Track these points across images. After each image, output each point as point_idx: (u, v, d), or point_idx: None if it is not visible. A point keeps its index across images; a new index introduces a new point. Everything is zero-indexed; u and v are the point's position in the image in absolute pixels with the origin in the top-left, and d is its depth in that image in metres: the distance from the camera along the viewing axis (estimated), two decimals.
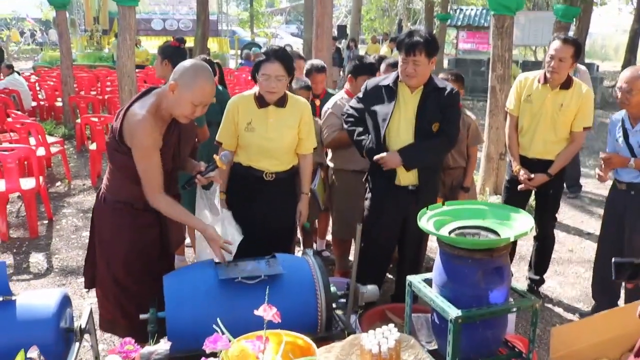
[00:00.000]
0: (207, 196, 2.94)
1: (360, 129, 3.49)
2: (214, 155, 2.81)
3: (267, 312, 1.52)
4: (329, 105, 4.13)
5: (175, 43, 4.17)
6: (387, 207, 3.46)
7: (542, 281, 4.36)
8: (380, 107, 3.39)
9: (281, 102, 3.25)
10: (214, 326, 1.59)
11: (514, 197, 3.97)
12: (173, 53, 4.05)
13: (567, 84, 3.84)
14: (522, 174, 3.93)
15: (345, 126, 3.61)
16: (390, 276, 4.32)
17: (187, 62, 2.65)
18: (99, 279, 2.90)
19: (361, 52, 17.46)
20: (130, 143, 2.57)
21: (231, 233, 2.94)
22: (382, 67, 4.26)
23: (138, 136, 2.53)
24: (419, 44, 3.19)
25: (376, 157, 3.34)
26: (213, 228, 2.67)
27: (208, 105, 2.66)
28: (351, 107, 3.58)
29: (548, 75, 3.84)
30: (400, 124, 3.34)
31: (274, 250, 2.74)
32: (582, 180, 7.25)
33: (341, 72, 15.70)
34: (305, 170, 3.43)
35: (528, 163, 3.98)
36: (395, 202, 3.43)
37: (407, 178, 3.41)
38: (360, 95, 3.53)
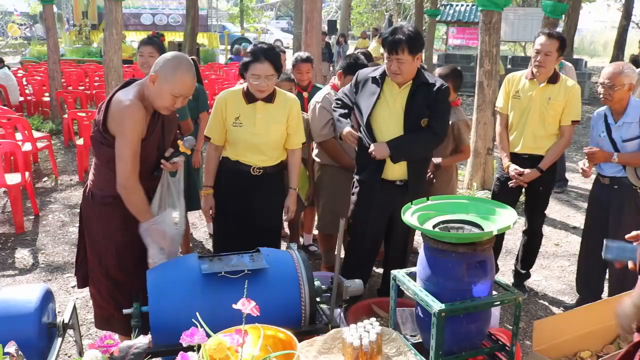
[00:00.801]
0: (172, 184, 2.90)
1: (343, 111, 3.53)
2: (177, 141, 2.80)
3: (245, 305, 1.52)
4: (317, 99, 4.13)
5: (155, 32, 4.22)
6: (375, 202, 3.46)
7: (527, 275, 4.39)
8: (365, 97, 3.40)
9: (269, 98, 3.24)
10: (193, 320, 1.59)
11: (505, 194, 3.98)
12: (157, 42, 4.09)
13: (554, 79, 3.87)
14: (513, 170, 3.95)
15: (332, 111, 3.66)
16: (377, 270, 4.33)
17: (169, 54, 2.66)
18: (91, 276, 2.89)
19: (351, 48, 17.42)
20: (115, 129, 2.56)
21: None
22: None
23: (126, 121, 2.54)
24: (401, 42, 3.15)
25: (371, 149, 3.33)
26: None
27: (189, 98, 2.67)
28: (343, 92, 3.61)
29: (535, 70, 3.86)
30: (390, 118, 3.33)
31: (261, 245, 2.74)
32: (569, 175, 7.31)
33: (331, 67, 15.70)
34: (294, 166, 3.43)
35: (518, 159, 4.00)
36: (384, 196, 3.43)
37: (395, 172, 3.40)
38: (352, 83, 3.54)
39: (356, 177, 3.56)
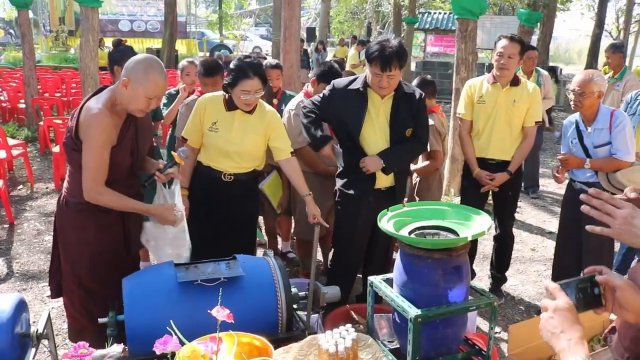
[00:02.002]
0: (168, 195, 2.92)
1: (313, 119, 3.47)
2: (172, 152, 2.82)
3: (219, 313, 1.52)
4: (291, 106, 4.13)
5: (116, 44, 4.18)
6: (363, 212, 3.46)
7: (504, 279, 4.44)
8: (350, 111, 3.36)
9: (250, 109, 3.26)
10: (169, 328, 1.59)
11: (472, 199, 4.03)
12: (120, 57, 4.02)
13: (515, 81, 3.96)
14: (485, 176, 4.00)
15: (302, 119, 3.56)
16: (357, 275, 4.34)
17: (138, 57, 2.66)
18: (64, 286, 2.87)
19: (329, 55, 17.48)
20: (82, 136, 2.55)
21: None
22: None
23: (92, 130, 2.54)
24: (393, 59, 3.15)
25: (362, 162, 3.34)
26: (157, 205, 2.71)
27: (162, 97, 2.68)
28: (313, 102, 3.52)
29: (498, 73, 3.94)
30: (375, 130, 3.34)
31: (236, 251, 2.73)
32: (544, 181, 7.41)
33: (309, 74, 15.71)
34: (295, 175, 3.36)
35: (485, 165, 4.05)
36: (371, 205, 3.42)
37: (383, 181, 3.43)
38: (327, 93, 3.46)
39: (343, 189, 3.53)
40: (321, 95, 3.52)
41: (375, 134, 3.35)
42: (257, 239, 4.07)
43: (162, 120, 4.74)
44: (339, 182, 3.53)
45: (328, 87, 3.49)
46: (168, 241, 2.90)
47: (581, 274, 3.60)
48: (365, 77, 3.37)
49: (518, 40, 3.90)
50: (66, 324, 3.71)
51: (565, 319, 1.34)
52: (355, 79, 3.44)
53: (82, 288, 2.77)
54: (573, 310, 1.36)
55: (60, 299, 3.92)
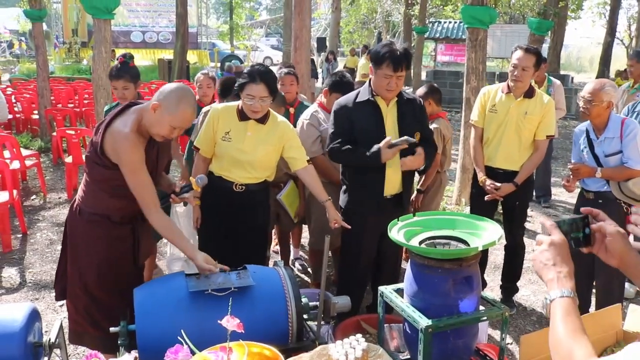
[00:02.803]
0: (185, 216, 2.96)
1: (355, 149, 3.36)
2: (190, 177, 2.85)
3: (230, 322, 1.53)
4: (305, 116, 4.14)
5: (122, 59, 4.16)
6: (369, 223, 3.45)
7: (515, 289, 4.41)
8: (369, 122, 3.35)
9: (262, 119, 3.28)
10: (179, 337, 1.60)
11: (481, 208, 4.02)
12: (127, 71, 4.06)
13: (530, 93, 3.93)
14: (489, 184, 3.99)
15: (339, 156, 3.45)
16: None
17: (173, 85, 2.68)
18: (69, 290, 2.89)
19: (340, 65, 17.53)
20: (116, 160, 2.58)
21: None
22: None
23: (125, 153, 2.55)
24: (403, 59, 3.19)
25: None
26: (203, 255, 2.57)
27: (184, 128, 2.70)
28: (333, 134, 3.43)
29: (512, 84, 3.92)
30: (389, 136, 3.34)
31: (247, 261, 2.74)
32: (557, 190, 7.36)
33: (316, 84, 15.78)
34: (313, 182, 3.37)
35: (493, 174, 4.04)
36: (377, 214, 3.42)
37: (390, 189, 3.42)
38: (339, 113, 3.40)
39: (346, 205, 3.51)
40: (335, 122, 3.44)
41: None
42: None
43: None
44: (348, 188, 3.53)
45: (336, 109, 3.43)
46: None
47: (593, 284, 3.56)
48: (369, 85, 3.37)
49: (534, 52, 3.86)
50: None
51: (558, 253, 1.42)
52: (358, 92, 3.43)
53: (88, 294, 2.80)
54: (566, 247, 1.44)
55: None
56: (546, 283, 1.40)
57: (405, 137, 3.23)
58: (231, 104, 3.40)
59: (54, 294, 4.36)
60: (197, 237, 3.12)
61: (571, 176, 3.73)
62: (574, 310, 1.32)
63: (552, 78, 6.52)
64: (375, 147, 3.25)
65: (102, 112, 4.49)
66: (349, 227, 3.34)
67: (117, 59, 4.16)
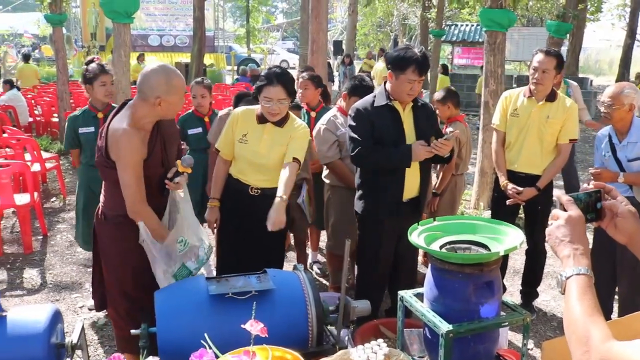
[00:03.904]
0: (182, 202, 2.93)
1: (383, 150, 3.34)
2: (177, 161, 2.84)
3: (253, 326, 1.53)
4: (322, 121, 4.14)
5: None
6: (388, 223, 3.44)
7: (536, 295, 4.36)
8: (389, 127, 3.34)
9: (280, 122, 3.28)
10: (202, 341, 1.60)
11: (502, 212, 3.99)
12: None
13: (552, 97, 3.89)
14: (511, 188, 3.95)
15: (367, 160, 3.41)
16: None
17: (148, 73, 2.69)
18: (109, 297, 2.93)
19: (356, 68, 17.52)
20: (114, 157, 2.62)
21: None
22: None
23: (122, 150, 2.61)
24: (426, 64, 3.24)
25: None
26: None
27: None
28: (352, 139, 3.39)
29: (533, 87, 3.89)
30: (408, 141, 3.35)
31: (263, 265, 2.75)
32: None
33: (333, 87, 15.82)
34: (285, 177, 3.19)
35: (515, 178, 4.01)
36: (393, 219, 3.42)
37: (409, 193, 3.41)
38: (360, 116, 3.37)
39: (363, 210, 3.49)
40: (357, 126, 3.38)
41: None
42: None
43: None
44: (365, 193, 3.51)
45: (356, 113, 3.39)
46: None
47: (615, 290, 3.50)
48: (385, 90, 3.35)
49: (554, 55, 3.83)
50: (97, 334, 3.79)
51: (575, 229, 1.39)
52: (375, 96, 3.41)
53: (127, 297, 2.85)
54: (583, 224, 1.42)
55: (91, 310, 4.00)
56: (561, 259, 1.38)
57: (451, 130, 3.25)
58: (252, 107, 3.41)
59: (74, 295, 4.44)
60: (200, 225, 3.08)
61: (592, 180, 3.68)
62: (590, 289, 1.30)
63: (568, 80, 6.45)
64: (404, 147, 3.25)
65: None
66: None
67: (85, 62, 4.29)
